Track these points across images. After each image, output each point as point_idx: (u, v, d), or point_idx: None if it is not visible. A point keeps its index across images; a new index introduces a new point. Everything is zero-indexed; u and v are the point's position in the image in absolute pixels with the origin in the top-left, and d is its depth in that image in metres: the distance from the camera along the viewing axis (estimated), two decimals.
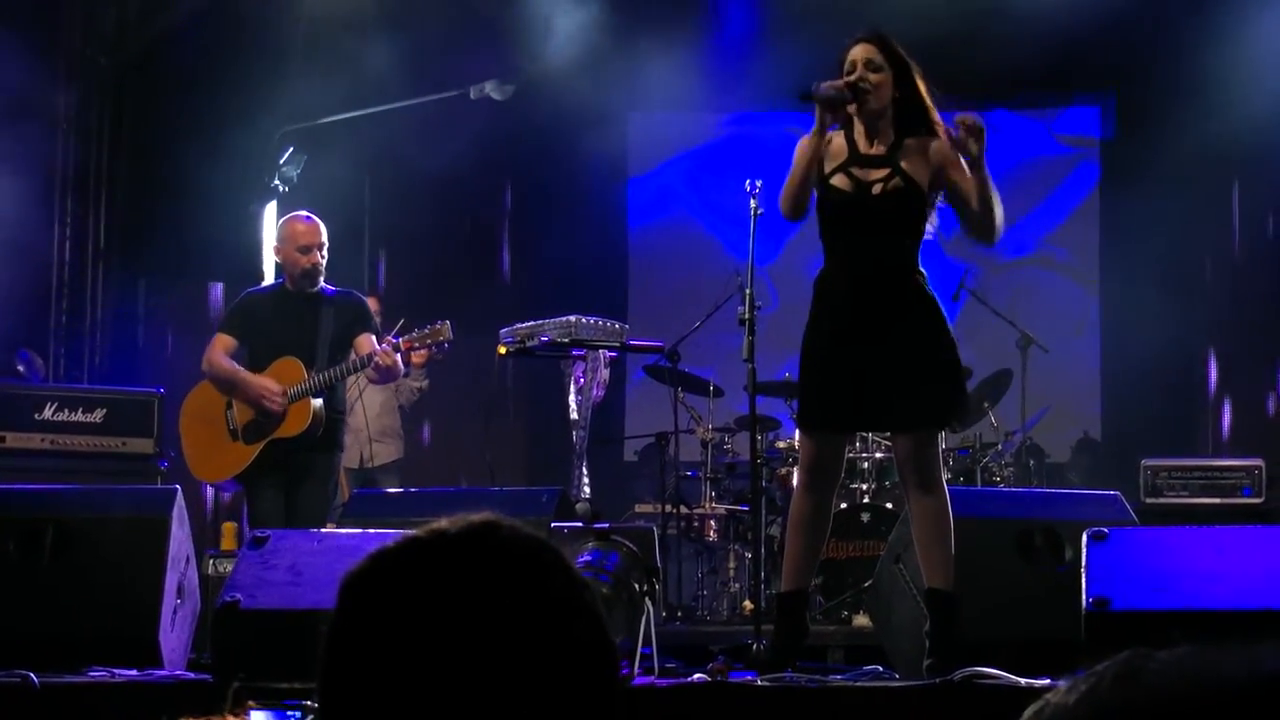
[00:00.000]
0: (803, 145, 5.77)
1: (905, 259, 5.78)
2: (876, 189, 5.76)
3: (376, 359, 7.55)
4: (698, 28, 12.12)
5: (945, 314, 5.84)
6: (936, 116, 5.83)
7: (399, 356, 7.66)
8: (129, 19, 11.36)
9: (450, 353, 8.07)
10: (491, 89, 10.59)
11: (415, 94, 10.86)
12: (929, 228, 5.86)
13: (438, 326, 7.81)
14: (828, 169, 5.81)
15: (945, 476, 9.35)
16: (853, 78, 5.74)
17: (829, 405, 5.78)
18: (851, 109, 5.77)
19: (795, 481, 5.99)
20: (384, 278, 12.80)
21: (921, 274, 5.80)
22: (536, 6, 11.60)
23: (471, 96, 10.61)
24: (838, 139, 5.86)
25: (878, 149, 5.82)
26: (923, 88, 5.83)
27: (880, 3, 10.95)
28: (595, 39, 11.86)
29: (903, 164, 5.77)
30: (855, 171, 5.79)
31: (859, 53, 5.78)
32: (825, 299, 5.84)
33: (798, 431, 6.24)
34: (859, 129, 5.85)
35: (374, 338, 7.81)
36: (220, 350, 7.84)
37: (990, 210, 5.75)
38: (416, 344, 7.81)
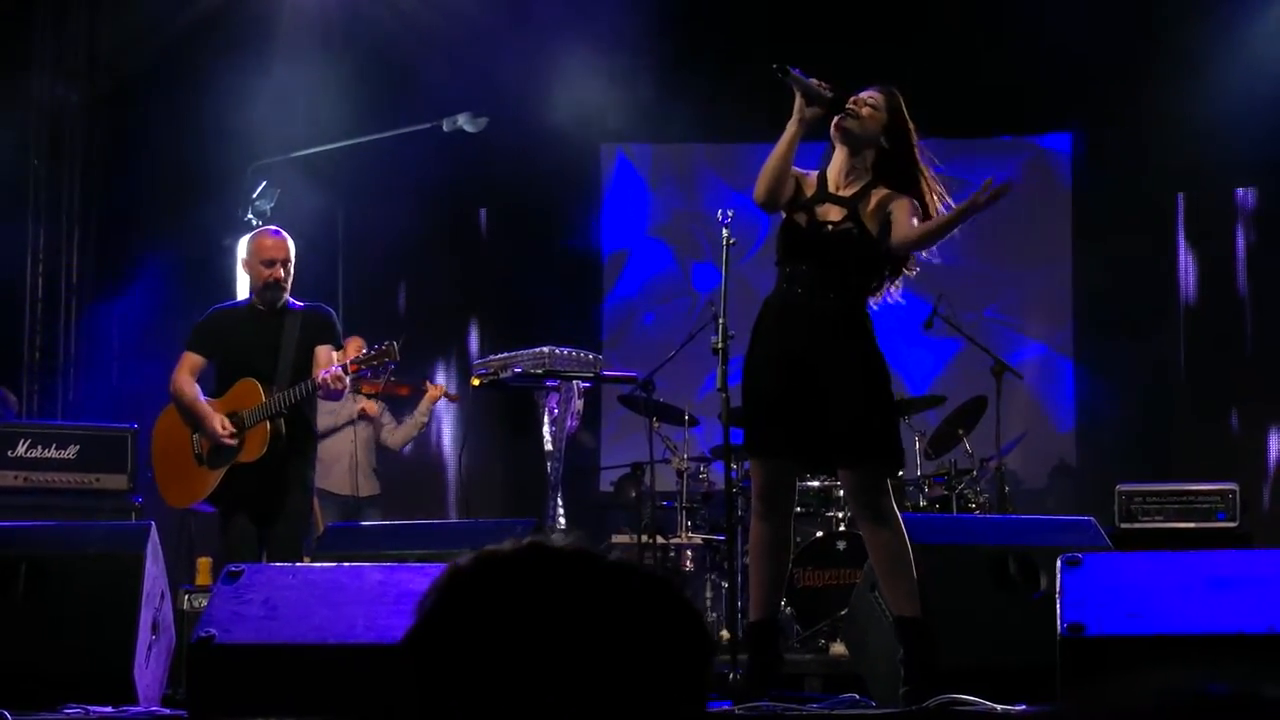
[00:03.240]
0: (780, 146, 5.80)
1: (849, 295, 5.82)
2: (829, 228, 5.80)
3: (323, 379, 7.56)
4: (671, 58, 12.15)
5: (883, 353, 5.88)
6: (929, 184, 5.88)
7: (347, 379, 7.66)
8: (100, 55, 11.37)
9: (395, 371, 8.09)
10: (464, 121, 10.59)
11: (388, 127, 10.87)
12: (895, 283, 5.93)
13: (384, 347, 7.81)
14: (799, 201, 5.86)
15: (920, 504, 9.45)
16: (846, 98, 5.80)
17: (774, 431, 5.78)
18: (835, 137, 5.83)
19: (751, 510, 5.97)
20: (356, 310, 12.78)
21: (866, 313, 5.86)
22: (509, 40, 11.66)
23: (445, 129, 10.61)
24: (813, 175, 5.92)
25: (846, 190, 5.87)
26: (917, 153, 5.88)
27: (859, 41, 11.06)
28: (567, 70, 11.90)
29: (862, 212, 5.81)
30: (817, 209, 5.84)
31: (866, 92, 5.86)
32: (768, 325, 5.87)
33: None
34: (836, 164, 5.89)
35: (332, 350, 7.83)
36: (187, 372, 7.81)
37: (921, 245, 5.83)
38: (363, 365, 7.81)
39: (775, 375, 5.78)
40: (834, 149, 5.92)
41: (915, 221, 5.75)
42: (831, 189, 5.87)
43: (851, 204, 5.83)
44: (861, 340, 5.82)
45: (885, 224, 5.79)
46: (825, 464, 6.91)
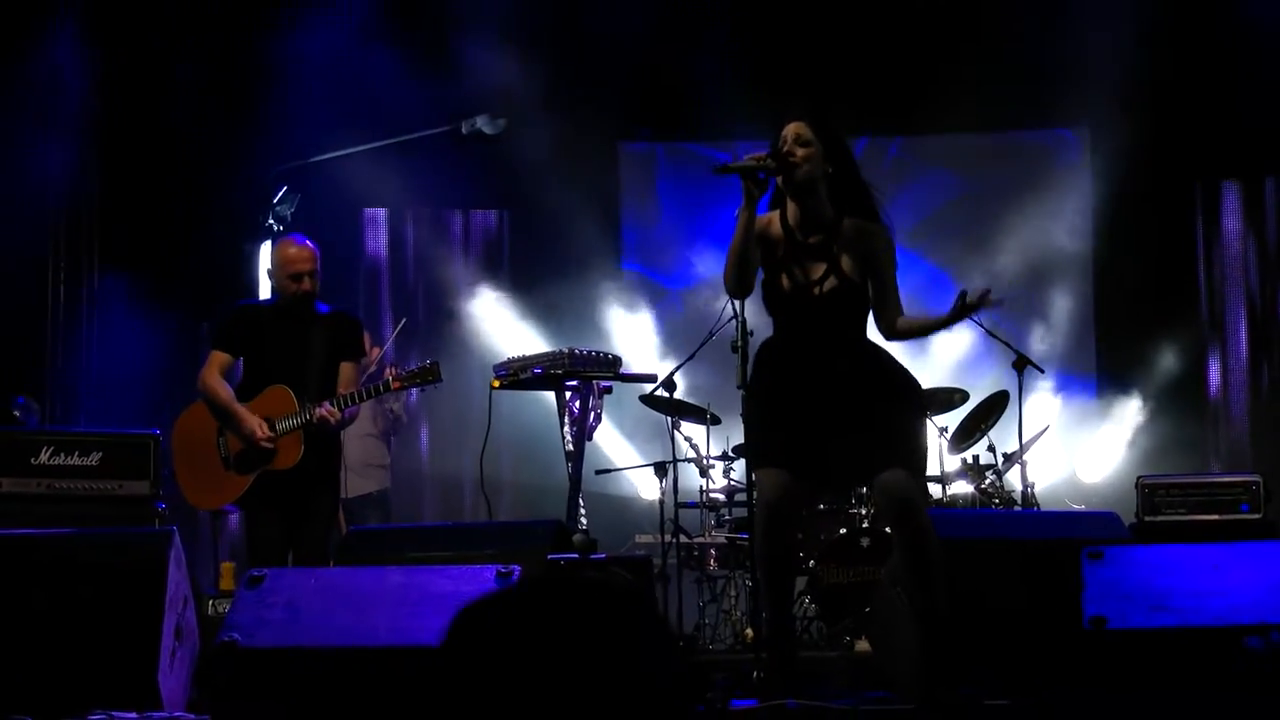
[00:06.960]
0: (738, 236, 5.72)
1: (851, 340, 5.81)
2: (816, 290, 5.74)
3: (319, 415, 7.55)
4: (686, 58, 12.13)
5: (902, 364, 5.87)
6: (874, 199, 5.86)
7: (341, 414, 7.60)
8: (121, 65, 11.39)
9: (439, 388, 8.06)
10: (483, 124, 10.60)
11: (407, 130, 10.87)
12: None
13: (428, 365, 7.79)
14: (772, 258, 5.80)
15: (943, 499, 9.43)
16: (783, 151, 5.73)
17: (782, 439, 5.72)
18: (788, 193, 5.78)
19: (756, 517, 5.91)
20: (378, 315, 12.80)
21: (870, 341, 5.85)
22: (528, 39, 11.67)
23: (463, 131, 10.61)
24: (775, 223, 5.83)
25: (815, 238, 5.79)
26: (857, 166, 5.86)
27: (878, 43, 11.03)
28: (583, 71, 11.90)
29: (841, 259, 5.74)
30: (796, 271, 5.76)
31: (789, 130, 5.76)
32: (770, 366, 5.84)
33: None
34: (793, 211, 5.82)
35: (355, 369, 7.80)
36: (217, 370, 7.76)
37: (910, 337, 5.86)
38: (405, 384, 7.80)
39: (788, 394, 5.74)
40: (784, 199, 5.85)
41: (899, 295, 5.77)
42: (801, 238, 5.80)
43: (829, 254, 5.75)
44: (876, 356, 5.82)
45: (865, 259, 5.75)
46: (844, 477, 6.78)
